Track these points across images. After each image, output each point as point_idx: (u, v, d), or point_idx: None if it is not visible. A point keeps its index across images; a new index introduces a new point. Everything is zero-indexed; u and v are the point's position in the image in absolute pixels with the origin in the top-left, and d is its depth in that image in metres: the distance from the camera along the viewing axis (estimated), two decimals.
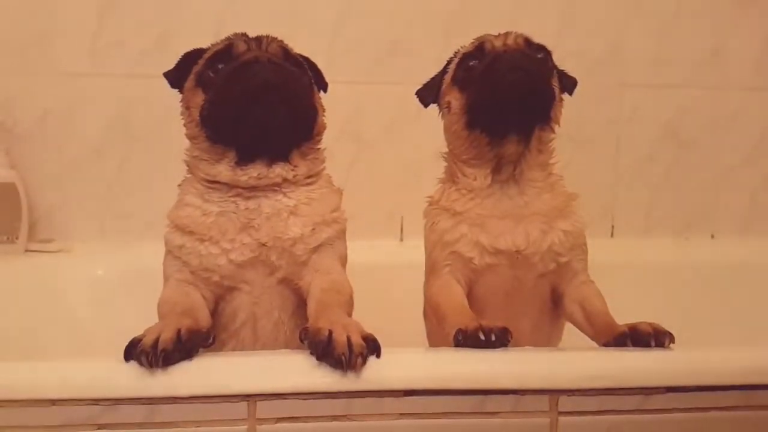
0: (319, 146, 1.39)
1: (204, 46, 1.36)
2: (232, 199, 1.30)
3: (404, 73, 2.06)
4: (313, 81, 1.37)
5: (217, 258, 1.27)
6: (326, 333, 1.06)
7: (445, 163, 1.48)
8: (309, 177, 1.35)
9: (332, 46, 2.04)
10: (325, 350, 1.04)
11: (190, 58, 1.35)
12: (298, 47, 1.38)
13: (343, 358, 1.03)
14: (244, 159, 1.29)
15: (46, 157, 2.02)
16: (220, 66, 1.28)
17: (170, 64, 1.38)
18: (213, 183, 1.31)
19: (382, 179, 2.08)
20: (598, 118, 2.16)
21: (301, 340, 1.11)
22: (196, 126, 1.31)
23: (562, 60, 1.46)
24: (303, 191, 1.33)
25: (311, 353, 1.07)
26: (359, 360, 1.04)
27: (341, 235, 1.36)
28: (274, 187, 1.31)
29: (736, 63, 2.20)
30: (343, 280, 1.31)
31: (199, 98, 1.30)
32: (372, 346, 1.06)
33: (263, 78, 1.23)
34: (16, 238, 1.94)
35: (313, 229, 1.30)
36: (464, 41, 1.46)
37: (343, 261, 1.37)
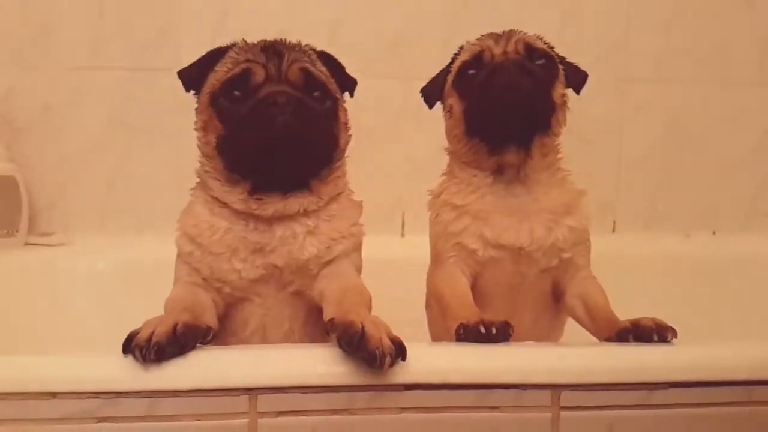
0: (339, 163, 1.34)
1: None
2: (243, 218, 1.27)
3: (405, 68, 2.07)
4: (336, 97, 1.32)
5: (228, 273, 1.25)
6: (359, 326, 1.03)
7: (447, 158, 1.48)
8: (331, 198, 1.32)
9: (332, 40, 2.03)
10: (359, 343, 1.02)
11: (208, 60, 1.29)
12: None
13: (377, 352, 1.00)
14: (258, 190, 1.25)
15: (46, 151, 2.03)
16: (236, 93, 1.23)
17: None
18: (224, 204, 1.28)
19: (384, 174, 2.08)
20: (601, 113, 2.16)
21: (328, 333, 1.09)
22: (213, 149, 1.27)
23: (564, 55, 1.46)
24: (324, 210, 1.30)
25: (340, 346, 1.05)
26: (388, 359, 1.01)
27: (357, 247, 1.34)
28: (292, 215, 1.27)
29: (739, 59, 2.20)
30: (362, 284, 1.29)
31: (216, 125, 1.25)
32: (399, 349, 1.04)
33: (282, 124, 1.18)
34: (16, 232, 1.94)
35: (329, 246, 1.28)
36: (466, 35, 1.46)
37: (358, 271, 1.34)
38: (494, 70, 1.33)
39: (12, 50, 1.99)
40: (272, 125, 1.18)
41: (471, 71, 1.38)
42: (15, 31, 1.99)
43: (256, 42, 1.29)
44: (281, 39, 1.30)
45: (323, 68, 1.31)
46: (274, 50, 1.25)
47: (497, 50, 1.36)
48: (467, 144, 1.40)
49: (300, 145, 1.22)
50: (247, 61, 1.24)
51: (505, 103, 1.32)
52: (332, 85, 1.31)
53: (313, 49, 1.33)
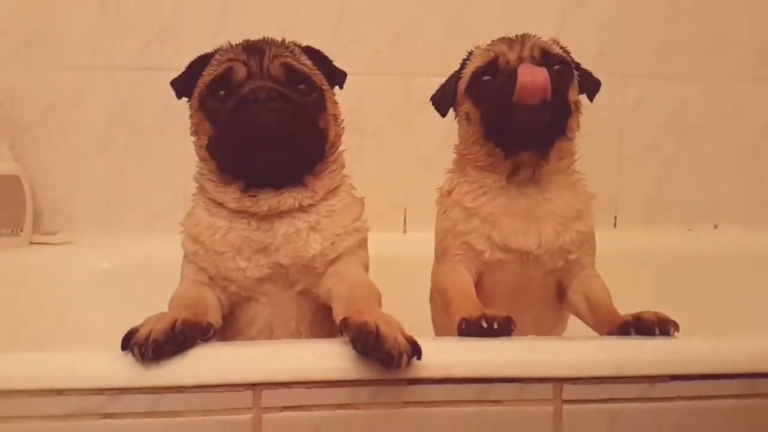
0: (334, 157, 1.34)
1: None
2: (243, 217, 1.27)
3: (407, 64, 2.07)
4: (323, 89, 1.31)
5: (233, 272, 1.25)
6: (374, 326, 1.02)
7: (454, 155, 1.47)
8: (328, 192, 1.31)
9: (334, 37, 2.04)
10: (374, 344, 1.01)
11: (196, 66, 1.31)
12: (299, 39, 1.36)
13: (394, 352, 1.00)
14: (251, 187, 1.26)
15: (49, 150, 2.03)
16: (221, 93, 1.24)
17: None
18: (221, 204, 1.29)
19: (386, 171, 2.08)
20: (602, 108, 2.13)
21: (341, 332, 1.09)
22: (205, 151, 1.28)
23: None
24: (324, 205, 1.30)
25: (355, 347, 1.04)
26: (405, 358, 1.01)
27: (363, 243, 1.34)
28: (289, 210, 1.27)
29: (739, 54, 2.19)
30: (370, 282, 1.28)
31: (206, 127, 1.27)
32: (414, 348, 1.03)
33: (263, 121, 1.19)
34: (21, 231, 1.95)
35: (333, 242, 1.27)
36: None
37: (365, 268, 1.34)
38: (511, 76, 1.27)
39: (14, 50, 1.99)
40: (255, 120, 1.19)
41: (485, 77, 1.34)
42: (17, 30, 1.99)
43: (239, 42, 1.30)
44: (264, 37, 1.31)
45: (308, 62, 1.31)
46: (255, 48, 1.26)
47: (512, 55, 1.32)
48: (483, 148, 1.37)
49: (285, 138, 1.22)
50: (229, 60, 1.25)
51: (523, 109, 1.27)
52: (317, 77, 1.31)
53: (297, 45, 1.33)
